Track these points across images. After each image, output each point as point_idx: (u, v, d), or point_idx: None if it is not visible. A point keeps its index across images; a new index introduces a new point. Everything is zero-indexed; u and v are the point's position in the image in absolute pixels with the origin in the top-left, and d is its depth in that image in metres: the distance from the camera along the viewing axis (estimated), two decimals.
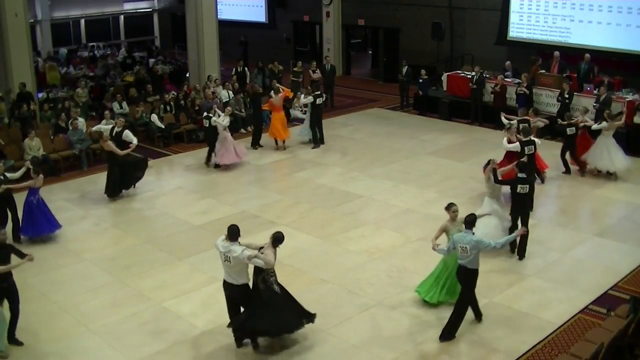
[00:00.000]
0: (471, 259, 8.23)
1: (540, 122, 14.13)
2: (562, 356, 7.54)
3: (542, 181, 13.71)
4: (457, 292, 8.72)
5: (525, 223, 10.46)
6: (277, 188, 14.05)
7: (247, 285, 8.16)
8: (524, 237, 10.41)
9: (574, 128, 13.92)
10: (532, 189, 10.73)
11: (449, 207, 9.05)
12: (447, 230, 8.91)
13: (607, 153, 13.85)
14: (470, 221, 8.36)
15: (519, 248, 10.60)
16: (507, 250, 10.66)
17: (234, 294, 8.18)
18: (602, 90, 15.85)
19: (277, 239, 8.11)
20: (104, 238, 11.94)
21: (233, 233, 7.98)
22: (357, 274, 10.28)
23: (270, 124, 16.97)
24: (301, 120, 19.59)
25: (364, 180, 14.46)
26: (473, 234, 8.27)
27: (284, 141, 16.88)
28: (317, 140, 16.93)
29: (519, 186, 10.35)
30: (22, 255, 8.57)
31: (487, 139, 16.47)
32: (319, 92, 17.05)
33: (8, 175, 11.68)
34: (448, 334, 8.45)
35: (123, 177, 13.66)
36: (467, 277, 8.39)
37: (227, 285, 8.18)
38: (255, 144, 16.94)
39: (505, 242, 8.77)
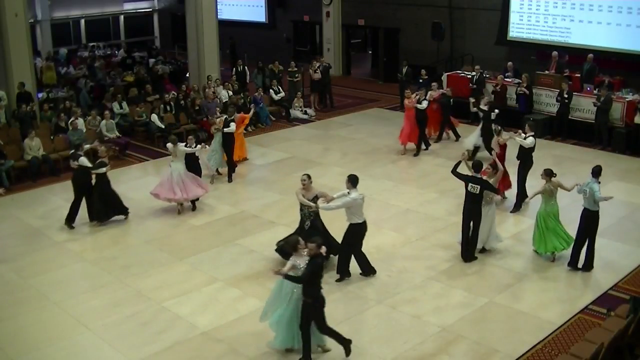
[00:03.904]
0: (589, 202, 9.85)
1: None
2: (562, 356, 7.54)
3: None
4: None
5: (476, 226, 10.32)
6: (277, 188, 14.04)
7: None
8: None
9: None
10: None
11: (550, 173, 10.23)
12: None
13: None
14: (596, 171, 9.92)
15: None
16: (511, 252, 10.67)
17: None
18: (602, 91, 15.85)
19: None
20: (104, 238, 11.92)
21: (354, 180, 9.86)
22: (357, 273, 10.28)
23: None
24: (301, 120, 19.61)
25: (364, 180, 14.29)
26: (598, 182, 9.83)
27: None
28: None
29: (470, 184, 10.26)
30: None
31: None
32: (225, 116, 14.76)
33: None
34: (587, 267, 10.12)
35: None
36: (586, 217, 9.95)
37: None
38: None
39: (602, 198, 9.78)
